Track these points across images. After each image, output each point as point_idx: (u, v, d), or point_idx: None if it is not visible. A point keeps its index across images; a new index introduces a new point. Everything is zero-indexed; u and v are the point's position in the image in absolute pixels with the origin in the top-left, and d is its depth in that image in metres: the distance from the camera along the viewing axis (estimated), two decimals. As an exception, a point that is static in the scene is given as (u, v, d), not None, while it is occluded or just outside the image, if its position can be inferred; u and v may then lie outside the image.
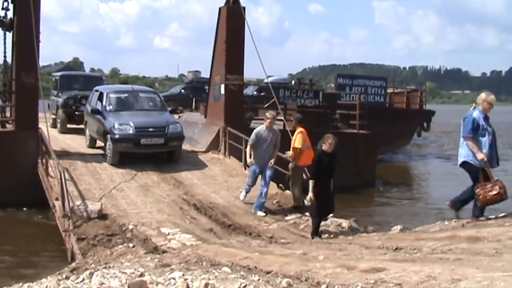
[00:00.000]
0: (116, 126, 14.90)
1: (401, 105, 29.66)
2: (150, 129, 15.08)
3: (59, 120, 21.10)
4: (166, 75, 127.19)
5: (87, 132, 17.40)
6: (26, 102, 15.15)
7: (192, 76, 36.18)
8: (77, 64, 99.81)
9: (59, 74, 24.71)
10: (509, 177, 13.13)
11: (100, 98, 16.51)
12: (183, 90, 33.08)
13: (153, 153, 15.49)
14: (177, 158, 15.78)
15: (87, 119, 17.30)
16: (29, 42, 14.41)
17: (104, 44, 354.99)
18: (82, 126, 20.51)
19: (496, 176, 9.21)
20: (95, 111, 16.03)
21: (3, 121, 16.40)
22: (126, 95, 16.93)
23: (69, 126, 20.70)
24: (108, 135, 15.00)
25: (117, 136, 14.78)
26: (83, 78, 24.09)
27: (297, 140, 12.22)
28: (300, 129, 12.38)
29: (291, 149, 12.34)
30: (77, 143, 17.79)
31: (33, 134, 14.98)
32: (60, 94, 21.46)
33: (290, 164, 12.44)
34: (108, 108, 15.91)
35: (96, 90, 17.44)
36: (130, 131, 14.85)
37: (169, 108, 28.50)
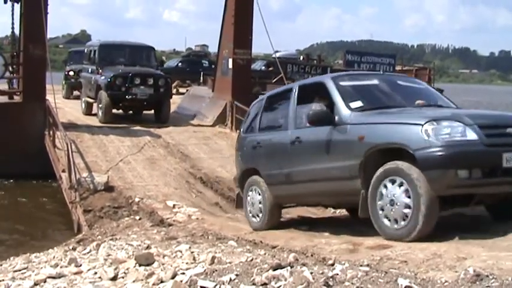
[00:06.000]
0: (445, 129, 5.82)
1: (410, 83, 29.37)
2: None
3: (100, 106, 16.40)
4: (174, 49, 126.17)
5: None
6: (33, 74, 15.14)
7: (199, 50, 36.11)
8: (84, 37, 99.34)
9: (96, 43, 18.99)
10: None
11: (321, 94, 7.34)
12: (179, 64, 33.00)
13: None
14: None
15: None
16: (36, 13, 14.37)
17: (112, 16, 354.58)
18: (129, 112, 17.70)
19: None
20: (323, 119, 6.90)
21: (11, 92, 16.40)
22: (375, 82, 7.66)
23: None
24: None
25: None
26: (130, 49, 18.53)
27: None
28: None
29: None
30: (85, 116, 17.73)
31: (41, 106, 14.97)
32: (100, 70, 16.81)
33: None
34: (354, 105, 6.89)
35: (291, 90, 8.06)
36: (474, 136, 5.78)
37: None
